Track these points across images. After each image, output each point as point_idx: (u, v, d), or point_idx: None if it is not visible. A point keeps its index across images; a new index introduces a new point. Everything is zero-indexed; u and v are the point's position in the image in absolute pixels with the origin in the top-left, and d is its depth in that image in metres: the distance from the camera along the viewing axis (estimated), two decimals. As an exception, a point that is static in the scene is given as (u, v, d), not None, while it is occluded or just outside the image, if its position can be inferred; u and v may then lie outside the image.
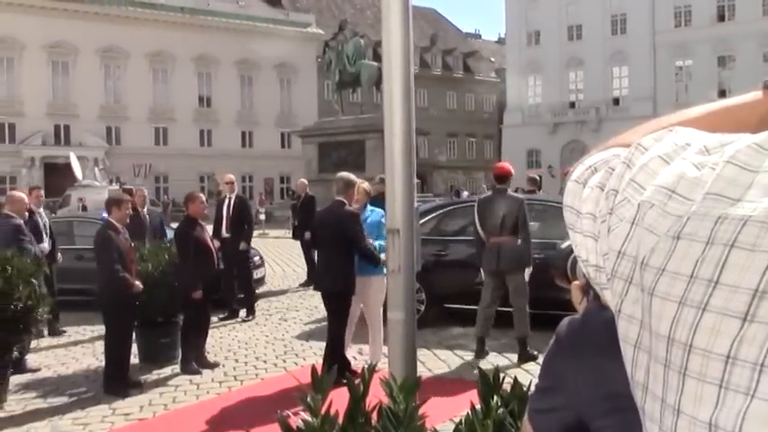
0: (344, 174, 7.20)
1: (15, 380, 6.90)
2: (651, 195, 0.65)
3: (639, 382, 0.65)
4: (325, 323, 9.90)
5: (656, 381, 0.62)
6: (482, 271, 7.72)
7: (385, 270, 7.20)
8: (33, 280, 6.53)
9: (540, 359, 4.84)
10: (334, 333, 6.86)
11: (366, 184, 7.40)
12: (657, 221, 0.63)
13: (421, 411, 2.24)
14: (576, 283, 1.61)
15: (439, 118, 63.43)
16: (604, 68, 55.14)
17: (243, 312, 10.27)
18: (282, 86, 61.21)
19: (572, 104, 57.17)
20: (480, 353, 7.56)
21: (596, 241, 0.72)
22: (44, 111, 52.02)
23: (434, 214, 9.78)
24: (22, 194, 8.45)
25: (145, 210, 10.84)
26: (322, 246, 7.19)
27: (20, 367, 7.24)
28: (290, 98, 61.05)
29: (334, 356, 6.67)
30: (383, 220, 7.09)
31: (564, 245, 1.78)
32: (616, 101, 55.27)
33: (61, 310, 9.19)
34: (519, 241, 7.47)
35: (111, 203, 7.10)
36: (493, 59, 73.92)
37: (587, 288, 1.56)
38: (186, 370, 7.29)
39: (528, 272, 7.55)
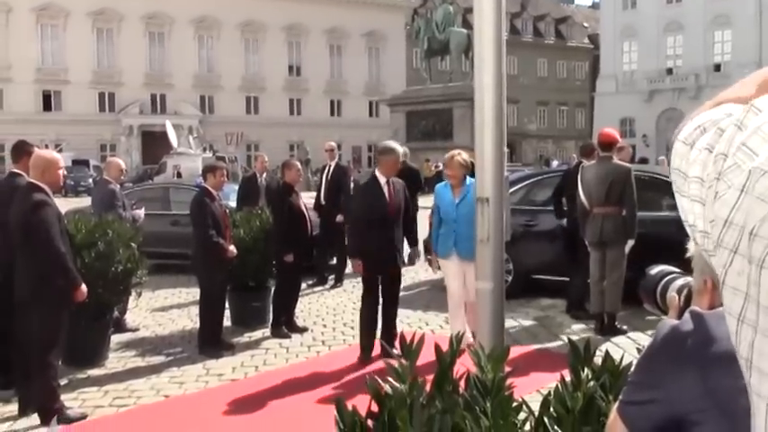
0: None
1: (116, 339, 7.23)
2: (764, 161, 0.61)
3: (743, 356, 0.62)
4: (411, 292, 9.97)
5: (761, 356, 0.59)
6: (586, 242, 7.52)
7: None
8: (132, 243, 6.79)
9: (630, 334, 4.70)
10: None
11: (460, 155, 6.63)
12: None
13: (509, 382, 2.22)
14: (673, 308, 1.55)
15: (529, 86, 62.23)
16: (705, 33, 52.69)
17: (332, 279, 10.42)
18: (371, 55, 61.25)
19: (669, 71, 55.00)
20: (599, 329, 7.26)
21: (704, 206, 0.68)
22: (141, 81, 53.80)
23: (523, 184, 9.63)
24: (119, 161, 8.75)
25: (264, 176, 11.01)
26: None
27: (120, 327, 7.59)
28: (378, 67, 61.08)
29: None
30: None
31: (653, 270, 1.71)
32: (717, 67, 52.80)
33: (158, 273, 9.23)
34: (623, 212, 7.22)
35: (207, 170, 7.29)
36: (586, 25, 71.80)
37: (683, 311, 1.50)
38: (276, 334, 7.48)
39: (630, 244, 7.29)
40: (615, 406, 1.16)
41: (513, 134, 49.53)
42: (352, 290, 9.98)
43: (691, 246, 1.32)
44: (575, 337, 6.03)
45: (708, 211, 0.67)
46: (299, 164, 8.25)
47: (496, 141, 3.30)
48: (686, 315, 1.04)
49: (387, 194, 6.45)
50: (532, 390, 4.55)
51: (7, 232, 5.31)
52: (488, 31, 3.28)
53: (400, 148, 6.73)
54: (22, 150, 5.93)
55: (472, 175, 6.03)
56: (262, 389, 5.77)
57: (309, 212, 7.99)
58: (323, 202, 10.45)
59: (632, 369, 1.21)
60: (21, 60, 50.05)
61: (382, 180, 6.47)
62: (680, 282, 1.62)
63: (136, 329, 7.89)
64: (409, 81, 51.03)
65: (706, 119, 0.74)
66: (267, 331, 7.62)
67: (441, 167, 31.91)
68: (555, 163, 37.96)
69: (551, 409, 2.12)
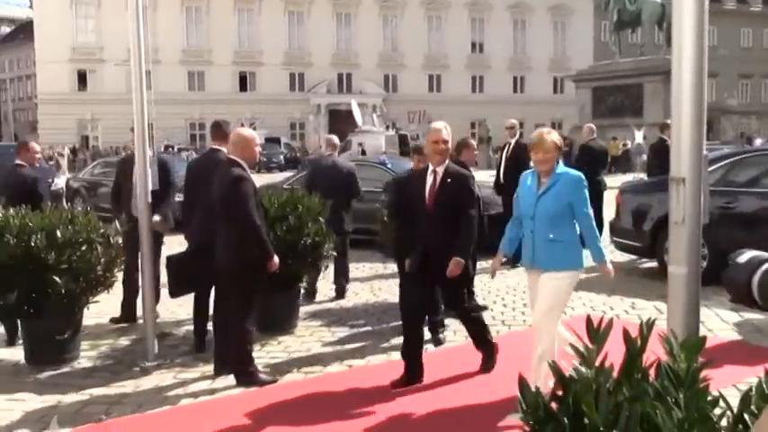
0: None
1: (303, 309, 7.60)
2: None
3: None
4: (594, 275, 9.64)
5: None
6: None
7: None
8: (320, 218, 7.07)
9: None
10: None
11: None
12: None
13: (704, 373, 2.09)
14: None
15: (730, 57, 57.95)
16: None
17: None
18: (556, 29, 59.63)
19: None
20: None
21: None
22: (329, 61, 55.80)
23: (722, 163, 9.00)
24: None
25: None
26: None
27: (309, 297, 7.98)
28: (563, 41, 59.37)
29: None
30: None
31: (742, 258, 1.45)
32: None
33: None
34: None
35: (412, 151, 7.37)
36: (799, -11, 65.60)
37: None
38: (449, 314, 7.48)
39: None
40: None
41: (712, 110, 46.27)
42: (533, 270, 9.83)
43: None
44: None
45: None
46: (474, 143, 8.22)
47: (695, 118, 3.10)
48: None
49: (428, 185, 5.38)
50: (728, 384, 4.29)
51: (209, 204, 5.73)
52: (689, 0, 3.08)
53: (440, 126, 5.51)
54: (219, 128, 6.45)
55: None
56: (441, 364, 5.84)
57: (482, 191, 7.92)
58: (502, 180, 10.34)
59: None
60: (220, 44, 53.57)
61: (429, 169, 5.46)
62: None
63: (322, 302, 8.23)
64: (597, 56, 49.19)
65: None
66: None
67: (628, 145, 30.62)
68: (758, 141, 35.03)
69: (752, 406, 1.98)
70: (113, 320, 7.34)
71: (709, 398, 2.02)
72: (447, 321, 7.12)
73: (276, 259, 5.51)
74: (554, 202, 4.72)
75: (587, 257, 4.85)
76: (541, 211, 4.74)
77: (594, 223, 4.95)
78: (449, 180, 5.34)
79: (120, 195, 7.42)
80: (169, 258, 6.11)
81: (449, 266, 5.20)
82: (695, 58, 3.09)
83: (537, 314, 4.79)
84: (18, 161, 7.31)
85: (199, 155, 7.12)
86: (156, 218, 6.49)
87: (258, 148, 5.75)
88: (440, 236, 5.25)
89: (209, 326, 6.34)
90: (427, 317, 6.74)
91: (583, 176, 4.90)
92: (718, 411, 2.01)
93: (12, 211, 6.09)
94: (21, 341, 6.31)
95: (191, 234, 6.34)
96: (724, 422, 2.00)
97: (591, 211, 4.90)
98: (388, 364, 5.98)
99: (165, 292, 6.39)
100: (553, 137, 4.80)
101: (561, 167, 4.85)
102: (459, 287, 5.50)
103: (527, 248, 4.87)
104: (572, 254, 4.74)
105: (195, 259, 5.99)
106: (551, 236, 4.70)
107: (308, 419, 4.77)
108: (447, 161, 5.46)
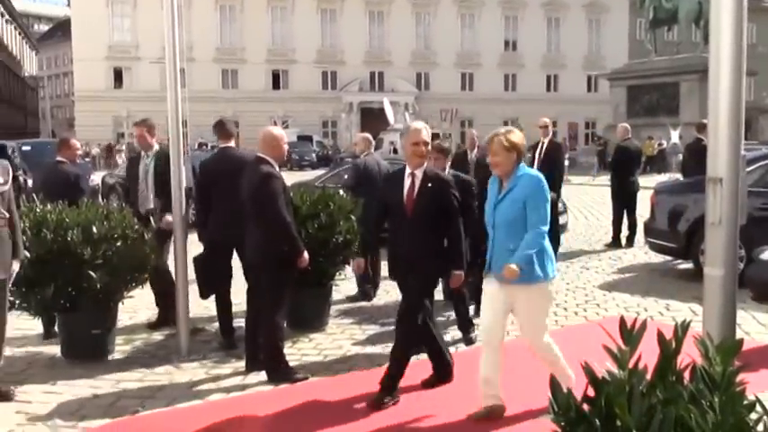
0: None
1: (335, 306, 7.62)
2: None
3: None
4: (628, 275, 9.56)
5: None
6: None
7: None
8: (352, 216, 7.08)
9: None
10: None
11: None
12: None
13: (740, 377, 2.05)
14: None
15: (769, 56, 56.86)
16: None
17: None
18: (591, 27, 59.09)
19: None
20: None
21: None
22: (361, 59, 55.89)
23: (760, 164, 8.86)
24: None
25: (474, 152, 11.13)
26: None
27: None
28: (598, 39, 58.83)
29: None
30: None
31: (766, 254, 1.38)
32: None
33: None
34: None
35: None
36: None
37: None
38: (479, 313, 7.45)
39: None
40: None
41: (750, 109, 45.48)
42: (566, 271, 9.75)
43: None
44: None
45: None
46: None
47: (733, 117, 3.06)
48: None
49: (405, 188, 5.05)
50: (765, 388, 4.20)
51: (223, 202, 5.83)
52: (727, -4, 3.04)
53: (420, 127, 5.12)
54: (222, 127, 6.60)
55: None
56: (472, 363, 5.80)
57: None
58: None
59: None
60: (253, 42, 53.93)
61: (407, 171, 5.10)
62: None
63: (353, 299, 8.24)
64: (632, 54, 48.65)
65: None
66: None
67: (664, 145, 30.21)
68: (799, 141, 34.34)
69: (790, 411, 1.94)
70: (150, 326, 7.16)
71: (745, 402, 2.00)
72: (477, 321, 7.09)
73: (306, 255, 5.54)
74: (510, 208, 4.43)
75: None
76: (500, 219, 4.48)
77: (545, 240, 4.46)
78: (429, 184, 5.01)
79: (129, 195, 7.48)
80: (195, 260, 6.20)
81: (451, 280, 5.21)
82: (733, 57, 3.05)
83: (524, 335, 4.82)
84: (59, 158, 7.41)
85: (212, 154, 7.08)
86: (169, 217, 6.54)
87: (286, 147, 5.82)
88: (417, 242, 4.99)
89: (235, 322, 6.44)
90: (456, 317, 6.77)
91: (541, 177, 4.54)
92: (754, 416, 1.98)
93: (49, 206, 6.18)
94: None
95: (203, 233, 6.43)
96: (760, 427, 1.96)
97: (544, 227, 4.42)
98: (418, 362, 5.96)
99: (191, 288, 6.46)
100: (504, 138, 4.42)
101: (522, 169, 4.50)
102: (421, 296, 5.19)
103: (488, 256, 4.62)
104: (539, 263, 4.45)
105: (213, 258, 6.12)
106: (511, 246, 4.39)
107: (338, 418, 4.79)
108: (426, 164, 5.12)
